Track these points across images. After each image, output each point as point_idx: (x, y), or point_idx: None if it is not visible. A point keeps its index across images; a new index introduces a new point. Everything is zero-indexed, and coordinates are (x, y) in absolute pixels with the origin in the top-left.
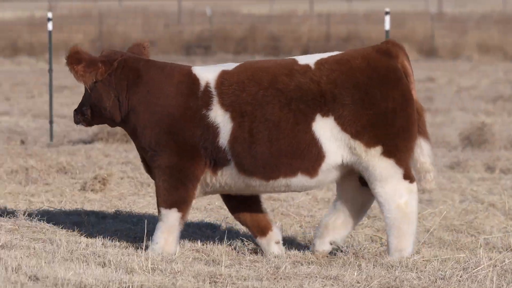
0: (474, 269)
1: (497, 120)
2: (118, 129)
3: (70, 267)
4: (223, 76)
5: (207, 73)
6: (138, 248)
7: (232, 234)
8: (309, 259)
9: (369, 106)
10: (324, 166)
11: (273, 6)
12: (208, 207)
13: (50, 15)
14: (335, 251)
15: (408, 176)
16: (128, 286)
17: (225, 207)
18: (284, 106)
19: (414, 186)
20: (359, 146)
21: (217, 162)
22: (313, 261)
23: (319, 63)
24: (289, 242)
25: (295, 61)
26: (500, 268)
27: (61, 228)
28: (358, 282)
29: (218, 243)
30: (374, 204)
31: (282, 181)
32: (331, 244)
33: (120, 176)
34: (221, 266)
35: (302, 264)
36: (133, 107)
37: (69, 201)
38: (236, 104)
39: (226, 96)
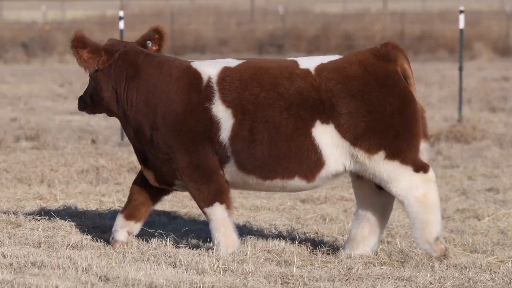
0: None
1: None
2: None
3: (141, 267)
4: (225, 72)
5: (208, 68)
6: (209, 249)
7: (303, 235)
8: (381, 260)
9: (366, 113)
10: (324, 173)
11: (346, 4)
12: (280, 207)
13: (121, 13)
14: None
15: (419, 168)
16: (199, 287)
17: (297, 207)
18: (284, 110)
19: (429, 175)
20: (360, 153)
21: (220, 158)
22: (386, 262)
23: (318, 69)
24: None
25: (296, 64)
26: None
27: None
28: (431, 283)
29: (289, 243)
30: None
31: (278, 182)
32: (360, 256)
33: None
34: (293, 267)
35: (374, 265)
36: (134, 104)
37: None
38: (238, 102)
39: (228, 93)
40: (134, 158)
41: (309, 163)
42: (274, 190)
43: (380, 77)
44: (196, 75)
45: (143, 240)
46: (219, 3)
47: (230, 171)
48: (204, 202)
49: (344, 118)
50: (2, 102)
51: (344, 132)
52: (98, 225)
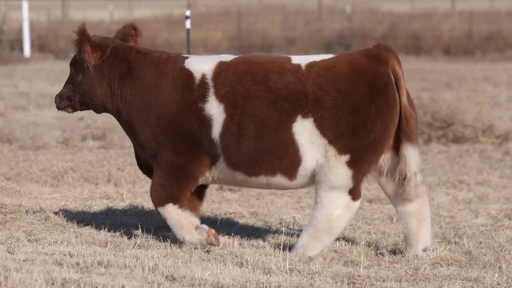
0: None
1: None
2: None
3: (207, 267)
4: (220, 67)
5: (203, 65)
6: (275, 248)
7: (370, 235)
8: (448, 260)
9: (351, 112)
10: (302, 170)
11: (413, 3)
12: None
13: (188, 13)
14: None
15: (353, 192)
16: (266, 287)
17: (364, 206)
18: (270, 104)
19: (354, 204)
20: (331, 151)
21: (211, 156)
22: (453, 262)
23: (309, 65)
24: None
25: (288, 60)
26: None
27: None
28: (499, 284)
29: (356, 243)
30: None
31: (263, 179)
32: (424, 250)
33: None
34: (360, 267)
35: (441, 266)
36: (128, 101)
37: (207, 201)
38: (231, 96)
39: (222, 87)
40: None
41: (288, 158)
42: (261, 187)
43: (369, 77)
44: (190, 74)
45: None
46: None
47: (220, 168)
48: (158, 201)
49: (328, 112)
50: None
51: (325, 129)
52: (164, 225)
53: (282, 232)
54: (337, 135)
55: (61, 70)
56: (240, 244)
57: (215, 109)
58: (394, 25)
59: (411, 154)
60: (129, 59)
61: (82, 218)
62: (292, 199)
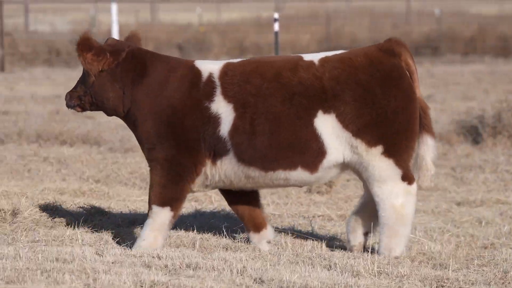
0: None
1: None
2: None
3: (296, 269)
4: (227, 67)
5: (210, 65)
6: (364, 251)
7: (459, 238)
8: None
9: (371, 104)
10: (325, 162)
11: (502, 5)
12: (435, 210)
13: (276, 15)
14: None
15: (406, 177)
16: None
17: (452, 209)
18: (286, 100)
19: (412, 187)
20: (360, 145)
21: (216, 152)
22: None
23: (323, 60)
24: None
25: (300, 58)
26: None
27: (287, 230)
28: None
29: (445, 246)
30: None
31: (281, 174)
32: (365, 235)
33: (346, 178)
34: (448, 270)
35: None
36: (139, 102)
37: (295, 203)
38: (239, 95)
39: (230, 87)
40: None
41: (311, 152)
42: (278, 184)
43: (385, 70)
44: (198, 72)
45: (298, 243)
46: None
47: (230, 164)
48: (158, 200)
49: (349, 107)
50: None
51: (347, 122)
52: None
53: (371, 235)
54: (360, 128)
55: None
56: (328, 247)
57: (223, 109)
58: (482, 27)
59: (430, 145)
60: (146, 61)
61: None
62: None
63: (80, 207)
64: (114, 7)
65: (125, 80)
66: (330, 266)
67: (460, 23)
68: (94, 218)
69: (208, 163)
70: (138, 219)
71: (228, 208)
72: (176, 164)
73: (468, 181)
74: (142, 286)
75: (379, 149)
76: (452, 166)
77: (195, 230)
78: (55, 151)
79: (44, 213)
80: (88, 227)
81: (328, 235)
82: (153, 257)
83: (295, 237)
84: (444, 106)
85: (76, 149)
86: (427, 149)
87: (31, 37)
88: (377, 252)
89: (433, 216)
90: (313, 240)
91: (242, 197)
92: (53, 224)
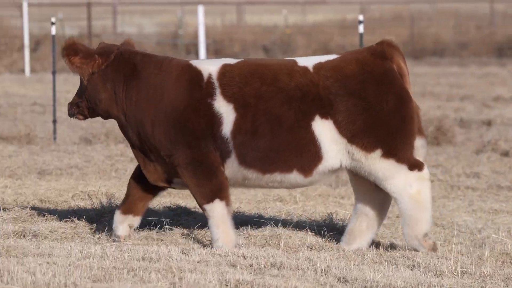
0: None
1: None
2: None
3: (379, 269)
4: (225, 68)
5: (208, 65)
6: (447, 251)
7: None
8: None
9: (363, 111)
10: (321, 167)
11: None
12: None
13: (361, 17)
14: None
15: (414, 166)
16: None
17: None
18: (284, 104)
19: (424, 173)
20: (357, 151)
21: (222, 154)
22: None
23: (316, 67)
24: None
25: (294, 62)
26: None
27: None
28: None
29: None
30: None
31: (277, 177)
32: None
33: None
34: None
35: None
36: (133, 102)
37: None
38: (239, 96)
39: (229, 88)
40: None
41: (309, 156)
42: (272, 186)
43: (377, 74)
44: (197, 72)
45: (382, 243)
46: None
47: (231, 166)
48: (205, 198)
49: (342, 115)
50: None
51: (342, 129)
52: (337, 227)
53: (454, 235)
54: (355, 134)
55: None
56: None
57: (224, 108)
58: None
59: (421, 145)
60: (135, 62)
61: (255, 221)
62: (464, 202)
63: (167, 206)
64: (200, 9)
65: (116, 81)
66: (414, 266)
67: None
68: (180, 218)
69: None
70: None
71: (312, 208)
72: (198, 163)
73: None
74: (227, 285)
75: (378, 153)
76: None
77: (280, 230)
78: None
79: None
80: (174, 227)
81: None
82: (238, 256)
83: (378, 237)
84: None
85: None
86: (419, 148)
87: (119, 39)
88: (406, 245)
89: None
90: (396, 240)
91: (144, 184)
92: (140, 223)
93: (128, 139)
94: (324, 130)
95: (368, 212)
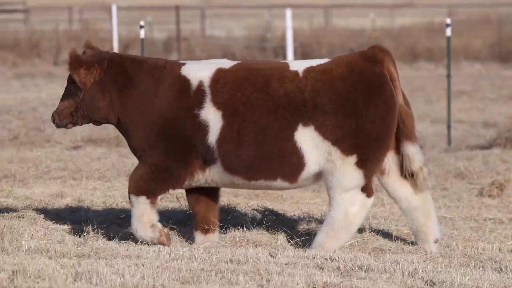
0: None
1: None
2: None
3: (466, 272)
4: (218, 74)
5: (200, 72)
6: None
7: None
8: None
9: (351, 113)
10: (304, 174)
11: None
12: None
13: (448, 20)
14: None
15: (366, 189)
16: None
17: None
18: (271, 112)
19: (369, 200)
20: (335, 152)
21: (206, 160)
22: None
23: (306, 71)
24: None
25: (287, 66)
26: None
27: (457, 231)
28: None
29: None
30: None
31: (262, 183)
32: (436, 242)
33: None
34: None
35: None
36: (126, 108)
37: (466, 207)
38: (230, 103)
39: (220, 94)
40: (460, 164)
41: (291, 165)
42: (261, 189)
43: (367, 78)
44: (187, 81)
45: (469, 246)
46: None
47: (217, 172)
48: (135, 189)
49: (330, 118)
50: None
51: (328, 133)
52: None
53: None
54: (339, 137)
55: None
56: (499, 250)
57: (212, 116)
58: None
59: (413, 151)
60: (126, 68)
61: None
62: None
63: (254, 209)
64: (288, 12)
65: (112, 88)
66: (501, 269)
67: None
68: (267, 220)
69: (198, 169)
70: (312, 221)
71: (399, 210)
72: (164, 169)
73: None
74: (314, 287)
75: (354, 158)
76: None
77: (367, 233)
78: None
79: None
80: (262, 229)
81: (499, 238)
82: (325, 259)
83: (466, 240)
84: None
85: None
86: (410, 155)
87: (207, 42)
88: (309, 246)
89: None
90: (484, 243)
91: (201, 196)
92: (228, 225)
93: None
94: (306, 139)
95: (417, 207)
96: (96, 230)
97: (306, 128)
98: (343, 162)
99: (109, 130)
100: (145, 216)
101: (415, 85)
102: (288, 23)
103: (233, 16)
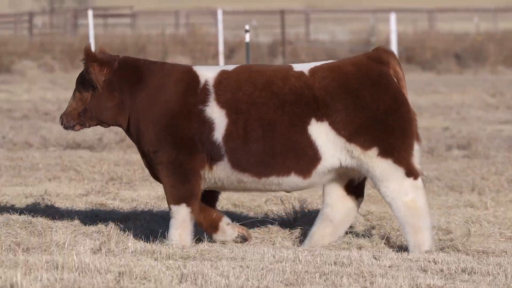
0: None
1: None
2: None
3: None
4: (222, 75)
5: (206, 72)
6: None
7: None
8: None
9: (361, 109)
10: (320, 168)
11: None
12: None
13: None
14: None
15: (411, 173)
16: None
17: None
18: (278, 108)
19: (419, 182)
20: (355, 149)
21: (212, 157)
22: None
23: (312, 70)
24: None
25: (290, 68)
26: None
27: None
28: None
29: None
30: None
31: (274, 180)
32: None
33: None
34: None
35: None
36: (136, 107)
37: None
38: (232, 102)
39: (223, 94)
40: None
41: (306, 158)
42: (270, 189)
43: (373, 76)
44: (195, 78)
45: None
46: None
47: (224, 169)
48: (173, 199)
49: (340, 114)
50: (434, 111)
51: (340, 128)
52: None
53: None
54: (353, 132)
55: (427, 81)
56: None
57: (216, 114)
58: None
59: (417, 151)
60: (139, 68)
61: (443, 226)
62: None
63: (360, 213)
64: (393, 16)
65: (123, 88)
66: None
67: None
68: (371, 223)
69: (206, 166)
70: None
71: (503, 214)
72: (178, 165)
73: None
74: None
75: (374, 151)
76: None
77: (470, 236)
78: None
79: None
80: (364, 232)
81: None
82: (429, 261)
83: None
84: None
85: None
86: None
87: (312, 46)
88: (408, 251)
89: None
90: None
91: (206, 201)
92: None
93: (134, 142)
94: (320, 132)
95: (333, 219)
96: (201, 232)
97: (319, 123)
98: (365, 156)
99: None
100: (185, 226)
101: None
102: (393, 27)
103: (337, 21)
